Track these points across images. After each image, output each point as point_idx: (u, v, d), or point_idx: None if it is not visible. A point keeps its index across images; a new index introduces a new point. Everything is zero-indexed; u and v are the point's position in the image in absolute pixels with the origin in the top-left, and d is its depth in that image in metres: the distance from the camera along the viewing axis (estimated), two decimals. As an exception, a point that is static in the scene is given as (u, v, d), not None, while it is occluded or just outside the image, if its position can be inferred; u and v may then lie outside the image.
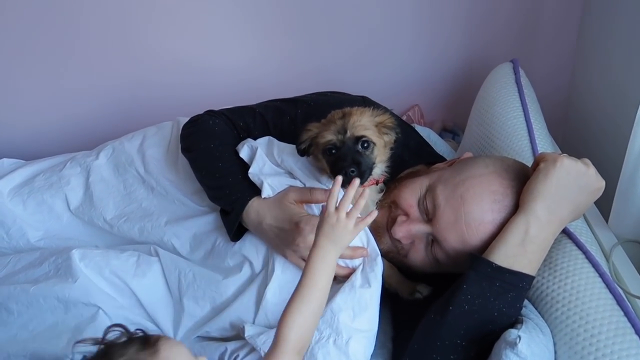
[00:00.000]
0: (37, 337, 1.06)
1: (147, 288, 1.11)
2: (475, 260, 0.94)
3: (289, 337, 0.80)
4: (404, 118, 1.97)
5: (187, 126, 1.21)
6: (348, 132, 0.99)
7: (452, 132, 2.01)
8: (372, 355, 1.01)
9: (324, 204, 0.90)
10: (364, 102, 1.27)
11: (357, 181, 0.92)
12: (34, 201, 1.29)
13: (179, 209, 1.23)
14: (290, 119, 1.19)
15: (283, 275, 1.04)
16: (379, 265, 1.00)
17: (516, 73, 1.49)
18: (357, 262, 1.02)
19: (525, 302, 1.00)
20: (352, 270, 1.01)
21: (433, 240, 1.06)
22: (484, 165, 1.07)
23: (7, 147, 1.80)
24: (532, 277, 0.95)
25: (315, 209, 1.06)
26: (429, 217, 1.05)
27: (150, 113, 1.76)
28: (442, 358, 0.91)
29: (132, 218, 1.24)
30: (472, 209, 1.00)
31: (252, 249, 1.09)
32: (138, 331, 0.78)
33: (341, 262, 1.02)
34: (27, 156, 1.56)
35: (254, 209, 1.05)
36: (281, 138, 1.16)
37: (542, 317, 0.96)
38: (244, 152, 1.11)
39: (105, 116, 1.89)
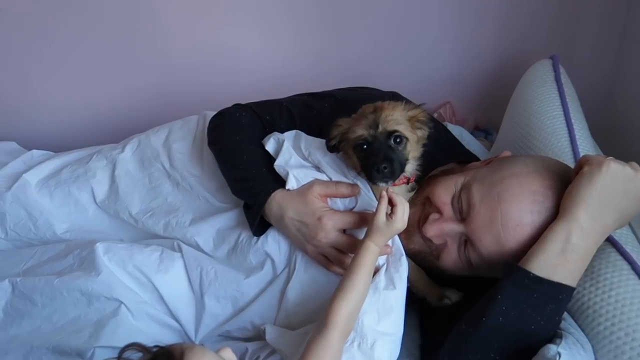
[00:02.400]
0: (60, 330, 1.06)
1: (169, 284, 1.10)
2: (512, 270, 0.89)
3: (337, 320, 0.85)
4: (435, 115, 1.92)
5: (214, 119, 1.19)
6: (380, 126, 0.95)
7: (484, 131, 1.94)
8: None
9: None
10: (394, 98, 1.23)
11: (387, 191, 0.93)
12: (61, 193, 1.30)
13: (203, 206, 1.21)
14: (317, 112, 1.15)
15: (305, 274, 1.01)
16: (403, 266, 0.96)
17: (556, 70, 1.41)
18: (381, 261, 0.98)
19: (565, 315, 0.94)
20: (376, 270, 0.98)
21: (467, 241, 1.00)
22: (524, 165, 1.01)
23: (38, 139, 1.82)
24: (573, 289, 0.88)
25: (340, 204, 1.02)
26: (463, 216, 1.00)
27: (179, 107, 1.75)
28: None
29: (157, 213, 1.22)
30: (510, 208, 0.94)
31: (274, 245, 1.06)
32: (155, 348, 0.75)
33: None
34: (57, 148, 1.57)
35: (276, 202, 1.02)
36: (308, 132, 1.13)
37: (584, 331, 0.90)
38: (270, 145, 1.08)
39: (134, 110, 1.90)
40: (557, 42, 1.74)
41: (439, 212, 1.04)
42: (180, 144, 1.30)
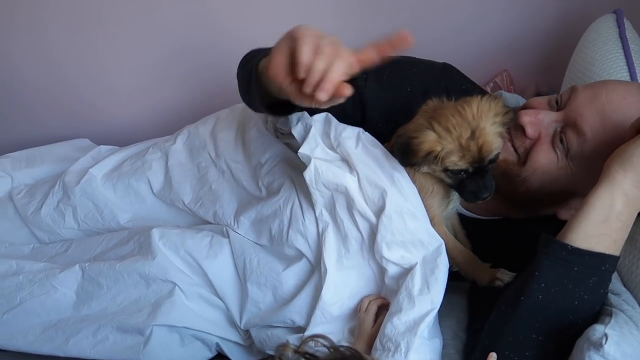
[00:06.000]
0: (124, 310, 1.15)
1: (217, 269, 1.15)
2: (549, 243, 0.83)
3: None
4: (491, 85, 1.81)
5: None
6: (485, 159, 0.90)
7: (547, 98, 1.81)
8: (442, 347, 0.96)
9: None
10: (445, 69, 1.18)
11: None
12: (122, 185, 1.38)
13: (243, 193, 1.24)
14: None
15: (338, 273, 1.01)
16: (440, 267, 0.94)
17: (620, 26, 1.28)
18: (413, 260, 0.96)
19: (621, 289, 0.87)
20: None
21: (564, 127, 0.96)
22: None
23: (107, 135, 1.95)
24: (617, 258, 0.81)
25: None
26: (561, 107, 0.98)
27: (228, 98, 1.81)
28: (517, 355, 0.82)
29: (205, 203, 1.27)
30: (616, 87, 0.93)
31: (302, 241, 1.07)
32: (344, 347, 0.73)
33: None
34: (123, 143, 1.68)
35: None
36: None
37: (642, 306, 0.83)
38: (297, 130, 1.07)
39: (192, 103, 1.98)
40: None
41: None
42: (225, 132, 1.34)
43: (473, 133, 0.88)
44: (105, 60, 1.90)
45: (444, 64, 1.21)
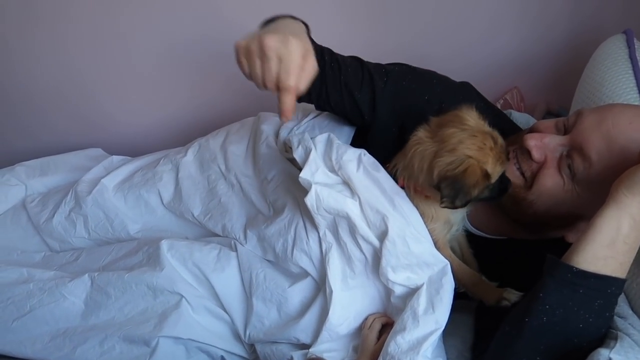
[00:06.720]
0: (131, 320, 1.16)
1: (224, 282, 1.16)
2: (553, 265, 0.83)
3: None
4: (501, 102, 1.82)
5: None
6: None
7: (557, 115, 1.81)
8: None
9: None
10: (463, 87, 1.20)
11: None
12: (133, 196, 1.40)
13: (252, 208, 1.25)
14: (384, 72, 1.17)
15: (344, 294, 1.02)
16: (445, 287, 0.94)
17: (630, 46, 1.28)
18: (419, 281, 0.96)
19: (628, 312, 0.86)
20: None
21: (570, 151, 0.97)
22: None
23: (119, 144, 1.99)
24: (623, 281, 0.81)
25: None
26: (568, 131, 0.98)
27: (240, 109, 1.82)
28: None
29: (214, 215, 1.28)
30: (623, 110, 0.93)
31: (307, 261, 1.07)
32: None
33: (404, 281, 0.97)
34: (136, 153, 1.70)
35: None
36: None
37: (649, 332, 0.82)
38: (297, 153, 1.08)
39: (201, 113, 2.00)
40: (634, 12, 1.57)
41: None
42: (235, 146, 1.36)
43: (492, 138, 0.91)
44: (122, 72, 1.93)
45: (462, 82, 1.22)
